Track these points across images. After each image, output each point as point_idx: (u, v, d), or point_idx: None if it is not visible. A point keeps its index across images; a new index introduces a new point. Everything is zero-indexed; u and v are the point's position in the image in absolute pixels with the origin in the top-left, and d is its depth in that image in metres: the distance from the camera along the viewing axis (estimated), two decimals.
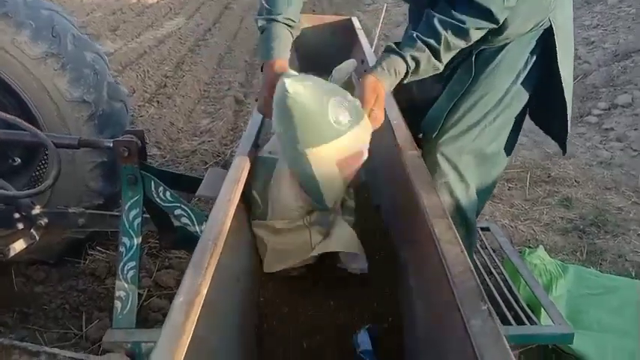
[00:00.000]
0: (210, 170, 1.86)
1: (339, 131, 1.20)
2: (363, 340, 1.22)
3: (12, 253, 1.99)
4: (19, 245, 2.00)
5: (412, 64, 1.28)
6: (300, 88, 1.16)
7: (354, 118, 1.23)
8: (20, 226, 2.08)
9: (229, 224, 1.13)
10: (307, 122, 1.18)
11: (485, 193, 1.64)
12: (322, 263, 1.49)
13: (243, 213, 1.43)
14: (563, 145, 1.60)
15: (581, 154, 3.73)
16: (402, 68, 1.28)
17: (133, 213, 1.67)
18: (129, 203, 1.67)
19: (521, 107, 1.53)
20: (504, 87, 1.46)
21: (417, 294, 1.25)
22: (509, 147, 1.59)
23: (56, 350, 1.46)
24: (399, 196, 1.49)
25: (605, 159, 3.66)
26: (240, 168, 1.35)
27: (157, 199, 1.71)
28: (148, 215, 1.90)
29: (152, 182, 1.70)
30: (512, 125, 1.54)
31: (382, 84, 1.29)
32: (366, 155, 1.33)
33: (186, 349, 0.77)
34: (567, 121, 1.52)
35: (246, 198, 1.43)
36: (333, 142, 1.21)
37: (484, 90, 1.47)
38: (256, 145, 1.54)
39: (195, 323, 0.83)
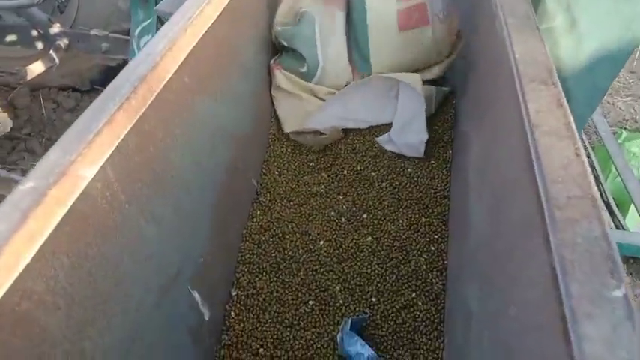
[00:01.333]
0: None
1: None
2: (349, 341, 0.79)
3: (30, 75, 1.83)
4: (37, 67, 1.84)
5: None
6: None
7: None
8: (39, 46, 1.91)
9: (179, 63, 0.67)
10: None
11: (606, 62, 1.14)
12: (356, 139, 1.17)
13: (221, 45, 0.87)
14: None
15: None
16: None
17: (145, 40, 1.38)
18: (139, 28, 1.37)
19: None
20: None
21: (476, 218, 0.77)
22: None
23: None
24: (477, 44, 1.06)
25: None
26: None
27: None
28: None
29: None
30: None
31: None
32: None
33: None
34: None
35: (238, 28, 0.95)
36: None
37: None
38: None
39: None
